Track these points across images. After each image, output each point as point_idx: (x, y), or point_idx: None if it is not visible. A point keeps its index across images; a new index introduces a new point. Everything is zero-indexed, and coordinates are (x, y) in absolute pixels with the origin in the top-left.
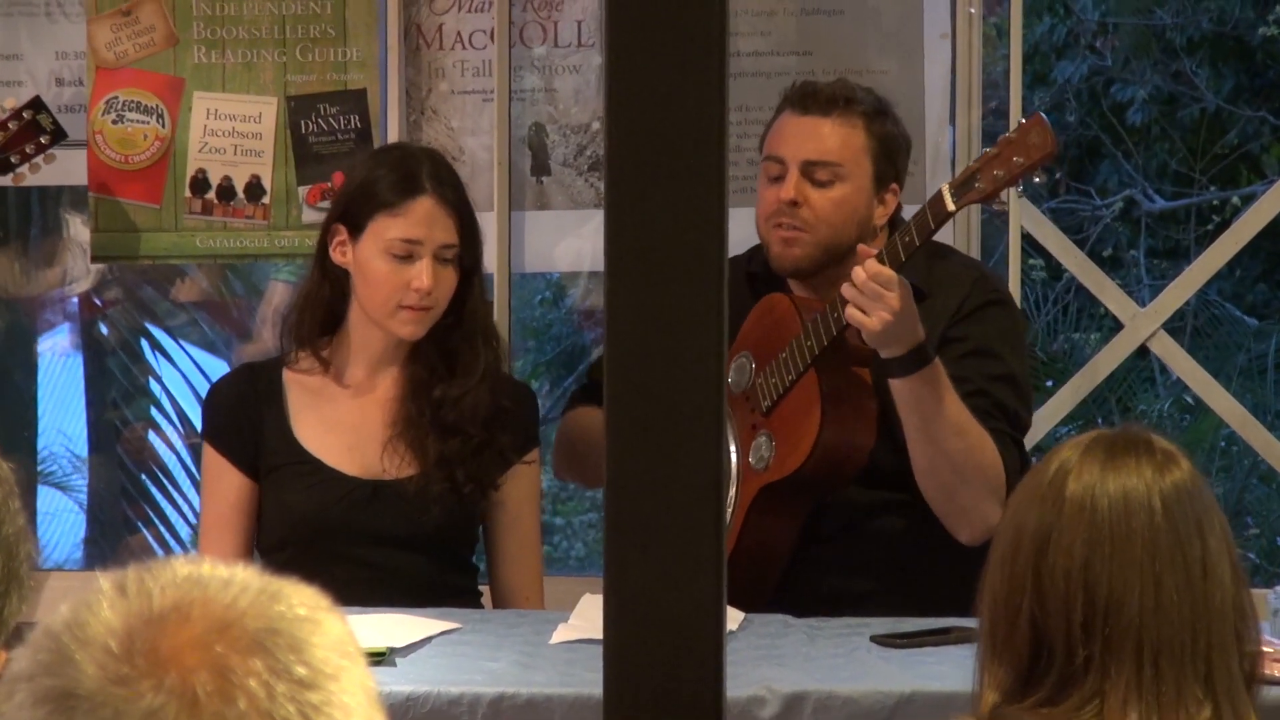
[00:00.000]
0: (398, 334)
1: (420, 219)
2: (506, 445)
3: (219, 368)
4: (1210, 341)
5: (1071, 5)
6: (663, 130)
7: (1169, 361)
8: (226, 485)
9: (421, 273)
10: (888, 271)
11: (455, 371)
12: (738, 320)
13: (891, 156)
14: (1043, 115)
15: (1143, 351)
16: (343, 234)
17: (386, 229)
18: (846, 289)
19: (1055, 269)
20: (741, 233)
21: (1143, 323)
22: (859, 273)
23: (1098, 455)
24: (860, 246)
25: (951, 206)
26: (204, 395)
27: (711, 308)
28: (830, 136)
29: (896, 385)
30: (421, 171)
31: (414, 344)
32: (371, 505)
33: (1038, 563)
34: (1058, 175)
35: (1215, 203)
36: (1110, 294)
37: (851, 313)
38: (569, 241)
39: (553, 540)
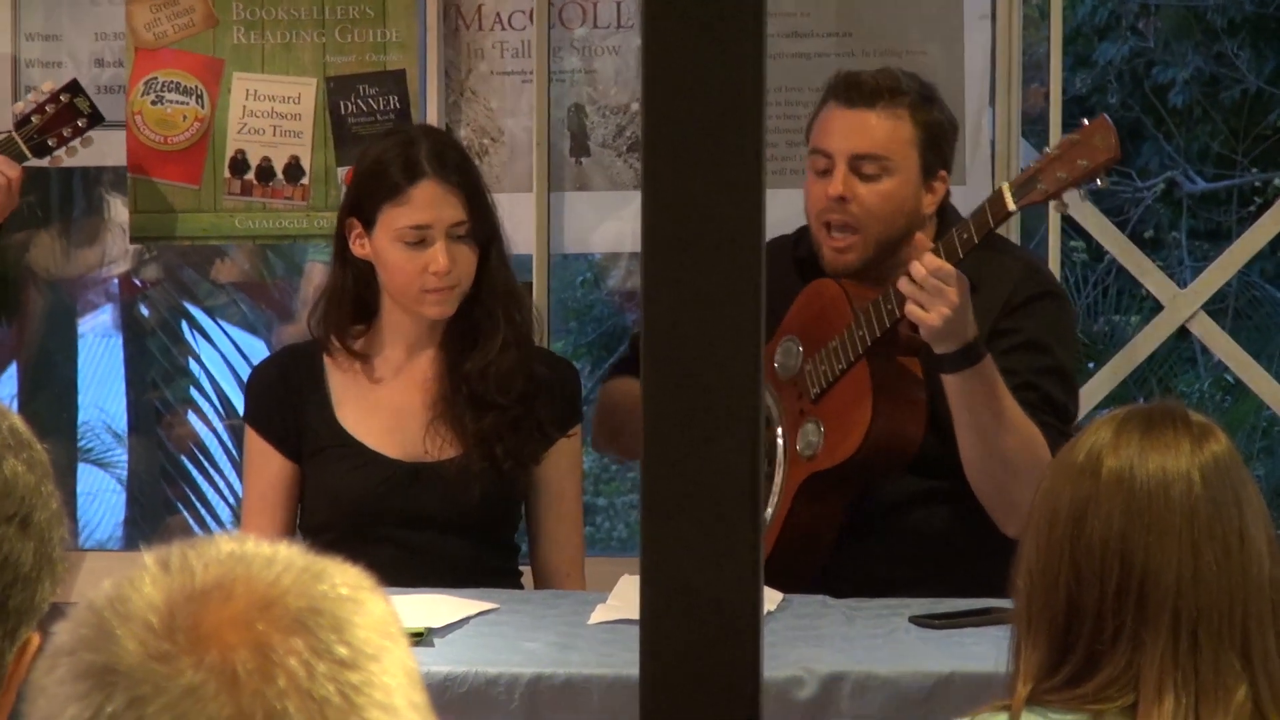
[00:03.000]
0: (428, 315)
1: (426, 203)
2: (546, 419)
3: (259, 349)
4: (1251, 323)
5: None
6: (700, 111)
7: (1208, 343)
8: (268, 468)
9: (437, 255)
10: (948, 266)
11: (478, 343)
12: (784, 303)
13: (938, 145)
14: (1107, 117)
15: (1183, 332)
16: (358, 227)
17: (395, 218)
18: (904, 285)
19: (1096, 250)
20: (781, 213)
21: (1182, 304)
22: (918, 268)
23: (1135, 430)
24: (918, 236)
25: (1012, 206)
26: (245, 377)
27: (749, 288)
28: (877, 129)
29: (948, 381)
30: (420, 154)
31: (446, 323)
32: (412, 488)
33: (1074, 533)
34: None
35: (1257, 184)
36: (1150, 275)
37: (912, 309)
38: (609, 223)
39: (595, 521)
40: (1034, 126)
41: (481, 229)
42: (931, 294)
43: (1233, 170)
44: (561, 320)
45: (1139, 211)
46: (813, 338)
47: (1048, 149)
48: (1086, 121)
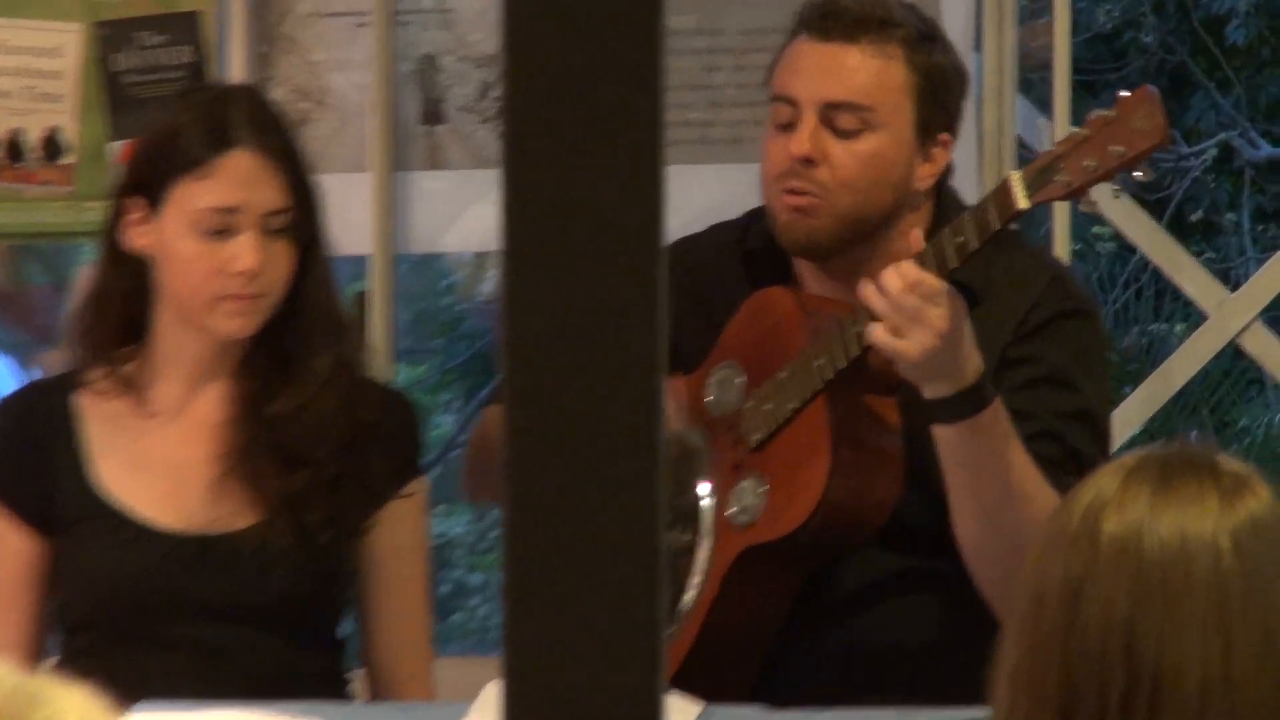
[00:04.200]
0: (220, 332)
1: (237, 180)
2: (375, 475)
3: (10, 384)
4: None
5: None
6: (579, 62)
7: (1266, 362)
8: (7, 548)
9: (243, 250)
10: (933, 280)
11: (290, 378)
12: (725, 314)
13: (940, 97)
14: (1153, 89)
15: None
16: (140, 208)
17: (193, 197)
18: (872, 296)
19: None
20: (706, 196)
21: (1232, 311)
22: (892, 279)
23: (1146, 483)
24: (913, 233)
25: (1023, 203)
26: None
27: (645, 295)
28: (858, 70)
29: (941, 433)
30: (234, 116)
31: (243, 349)
32: (198, 568)
33: (1066, 621)
34: None
35: None
36: (1189, 274)
37: (881, 335)
38: (475, 209)
39: (467, 604)
40: (1038, 74)
41: (304, 223)
42: (910, 317)
43: None
44: (421, 338)
45: (1185, 185)
46: (757, 365)
47: (1074, 129)
48: (1126, 93)
